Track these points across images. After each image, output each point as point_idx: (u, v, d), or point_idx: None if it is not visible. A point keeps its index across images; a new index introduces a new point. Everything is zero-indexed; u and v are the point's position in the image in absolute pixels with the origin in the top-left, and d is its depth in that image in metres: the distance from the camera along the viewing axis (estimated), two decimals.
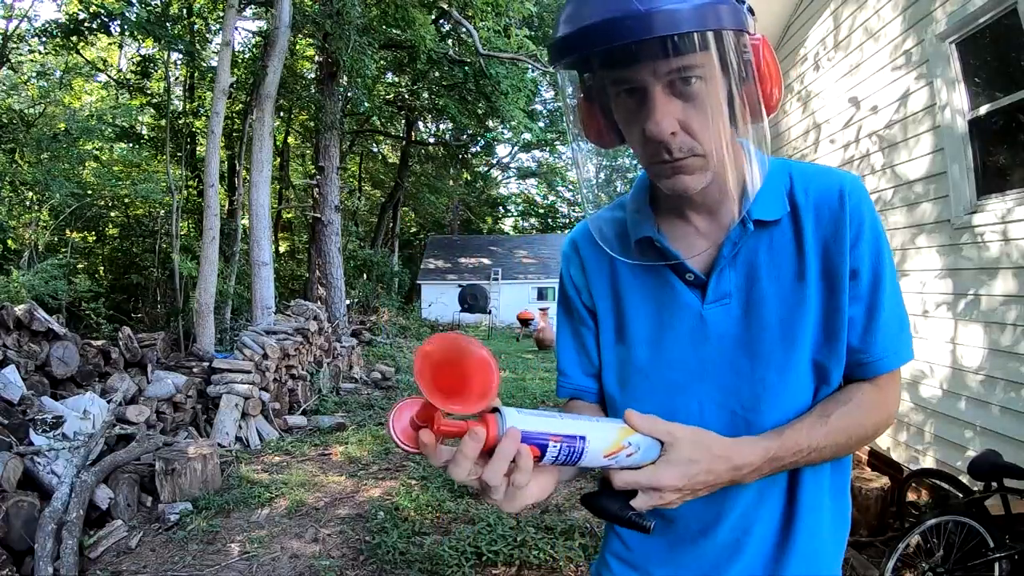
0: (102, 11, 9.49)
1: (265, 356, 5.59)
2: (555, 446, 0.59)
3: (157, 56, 11.61)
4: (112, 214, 11.97)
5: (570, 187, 34.81)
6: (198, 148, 13.66)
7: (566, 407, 0.88)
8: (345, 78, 11.95)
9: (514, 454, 0.56)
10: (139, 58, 12.19)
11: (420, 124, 23.71)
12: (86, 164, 11.04)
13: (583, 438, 0.60)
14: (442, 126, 25.53)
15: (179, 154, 11.71)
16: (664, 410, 0.72)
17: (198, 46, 11.63)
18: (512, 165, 33.10)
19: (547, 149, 29.67)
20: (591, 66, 0.72)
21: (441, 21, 14.29)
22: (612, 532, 0.86)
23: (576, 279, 0.87)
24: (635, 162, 0.74)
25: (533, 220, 35.36)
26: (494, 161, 31.57)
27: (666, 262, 0.77)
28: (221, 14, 10.13)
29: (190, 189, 12.69)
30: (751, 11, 0.67)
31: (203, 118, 12.47)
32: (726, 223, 0.75)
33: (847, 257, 0.71)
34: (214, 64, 9.68)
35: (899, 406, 0.77)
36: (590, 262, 0.85)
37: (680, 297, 0.77)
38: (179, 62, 13.23)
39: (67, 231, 10.15)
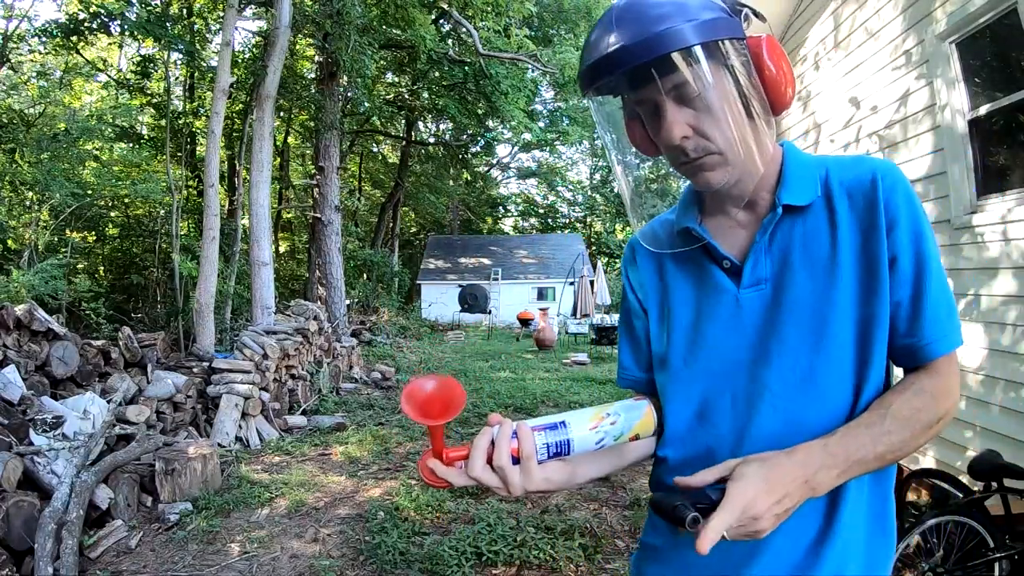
0: (102, 11, 9.49)
1: (265, 356, 5.59)
2: (540, 434, 0.71)
3: (157, 56, 11.61)
4: (112, 214, 11.98)
5: (570, 187, 34.85)
6: (198, 148, 13.67)
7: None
8: (345, 78, 11.96)
9: (510, 432, 0.70)
10: (139, 58, 12.19)
11: (420, 124, 23.71)
12: (86, 164, 11.04)
13: (563, 423, 0.72)
14: (442, 126, 25.53)
15: (179, 154, 11.72)
16: (700, 399, 0.80)
17: (198, 46, 11.62)
18: (512, 165, 33.12)
19: (547, 149, 29.66)
20: (615, 92, 0.80)
21: (441, 21, 14.29)
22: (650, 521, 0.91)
23: (631, 277, 0.93)
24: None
25: (533, 220, 35.36)
26: (494, 161, 31.56)
27: (692, 244, 0.83)
28: (221, 14, 10.13)
29: (190, 189, 12.69)
30: (755, 15, 0.74)
31: (203, 118, 12.47)
32: (762, 213, 0.79)
33: (884, 243, 0.71)
34: (214, 64, 9.68)
35: (959, 394, 0.74)
36: (642, 260, 0.91)
37: (718, 283, 0.80)
38: (179, 62, 13.23)
39: (67, 231, 10.15)
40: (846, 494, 0.72)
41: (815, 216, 0.75)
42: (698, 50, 0.68)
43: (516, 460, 0.69)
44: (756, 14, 0.74)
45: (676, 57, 0.67)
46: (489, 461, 0.70)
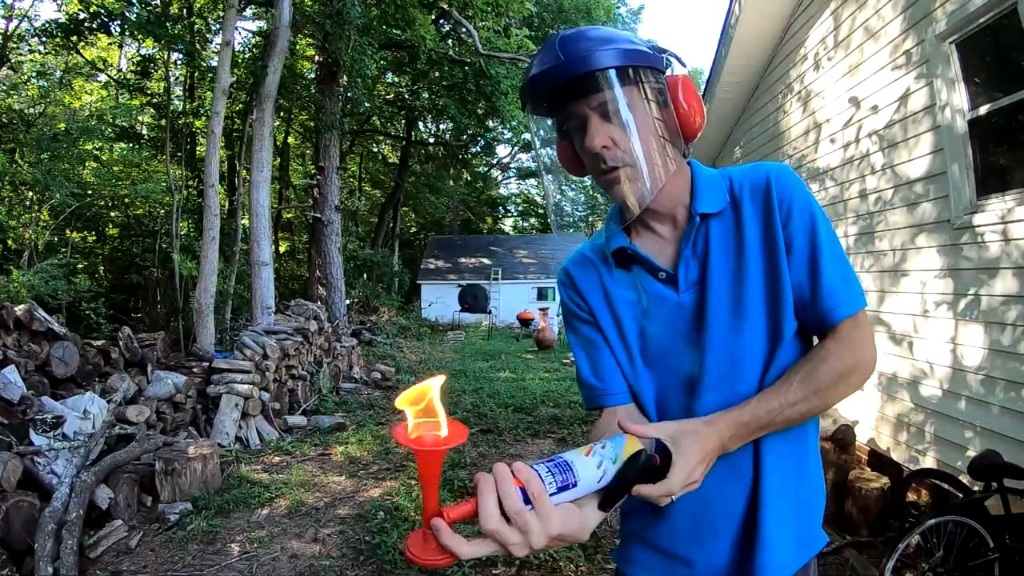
0: (102, 11, 9.49)
1: (265, 356, 5.59)
2: (539, 466, 0.65)
3: (157, 56, 11.60)
4: (112, 214, 11.96)
5: (572, 187, 34.83)
6: (198, 148, 13.66)
7: (597, 420, 0.95)
8: (345, 78, 11.94)
9: (512, 475, 0.62)
10: (139, 58, 12.18)
11: (420, 124, 23.69)
12: (86, 164, 11.02)
13: (558, 455, 0.70)
14: (442, 126, 25.51)
15: (179, 154, 11.69)
16: (657, 391, 0.91)
17: (198, 46, 11.62)
18: (512, 165, 33.08)
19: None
20: (551, 110, 0.89)
21: (441, 21, 14.29)
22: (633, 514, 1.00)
23: (573, 297, 0.99)
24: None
25: (533, 220, 35.30)
26: (494, 161, 31.55)
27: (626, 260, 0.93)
28: (221, 14, 10.13)
29: (190, 189, 12.68)
30: (678, 60, 0.87)
31: (203, 118, 12.45)
32: (682, 225, 0.90)
33: (780, 233, 0.83)
34: (214, 64, 9.68)
35: (874, 352, 0.83)
36: (581, 282, 0.98)
37: (658, 293, 0.90)
38: (179, 62, 13.22)
39: (67, 231, 10.13)
40: (764, 452, 0.84)
41: (726, 219, 0.87)
42: (622, 72, 0.80)
43: (527, 501, 0.61)
44: (678, 59, 0.87)
45: (602, 76, 0.79)
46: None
